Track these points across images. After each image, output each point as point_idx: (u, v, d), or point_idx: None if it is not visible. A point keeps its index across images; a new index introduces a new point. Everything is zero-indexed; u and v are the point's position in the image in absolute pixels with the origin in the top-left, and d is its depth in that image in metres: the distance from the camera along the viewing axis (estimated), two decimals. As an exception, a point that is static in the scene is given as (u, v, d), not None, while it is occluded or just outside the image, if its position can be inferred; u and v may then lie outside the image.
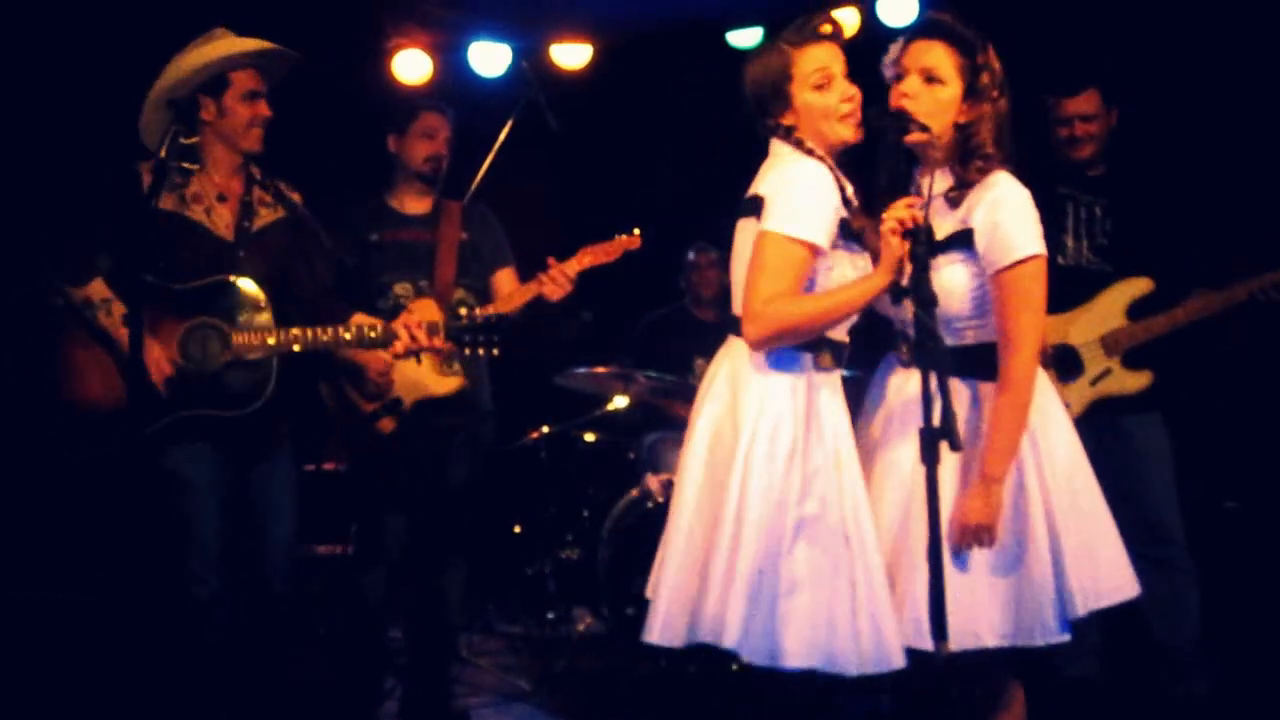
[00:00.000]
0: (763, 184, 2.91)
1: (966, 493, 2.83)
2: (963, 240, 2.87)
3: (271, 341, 3.53)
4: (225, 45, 3.62)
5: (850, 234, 2.88)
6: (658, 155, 6.13)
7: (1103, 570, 2.91)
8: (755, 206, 2.88)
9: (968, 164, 2.89)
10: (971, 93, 2.89)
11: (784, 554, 2.79)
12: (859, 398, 3.14)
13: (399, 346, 3.55)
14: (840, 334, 2.94)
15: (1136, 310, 4.05)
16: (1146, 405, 4.08)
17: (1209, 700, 4.07)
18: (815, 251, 2.81)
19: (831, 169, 2.90)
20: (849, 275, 2.89)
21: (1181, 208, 4.12)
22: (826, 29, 2.93)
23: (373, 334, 3.57)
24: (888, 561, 2.88)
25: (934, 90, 2.88)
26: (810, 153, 2.90)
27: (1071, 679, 4.03)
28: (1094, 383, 4.04)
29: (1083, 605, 2.85)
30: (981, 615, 2.83)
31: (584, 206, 6.02)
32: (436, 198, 4.32)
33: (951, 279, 2.88)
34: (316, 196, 3.79)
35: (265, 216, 3.67)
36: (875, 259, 2.86)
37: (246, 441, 3.60)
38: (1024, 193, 2.89)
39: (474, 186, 4.72)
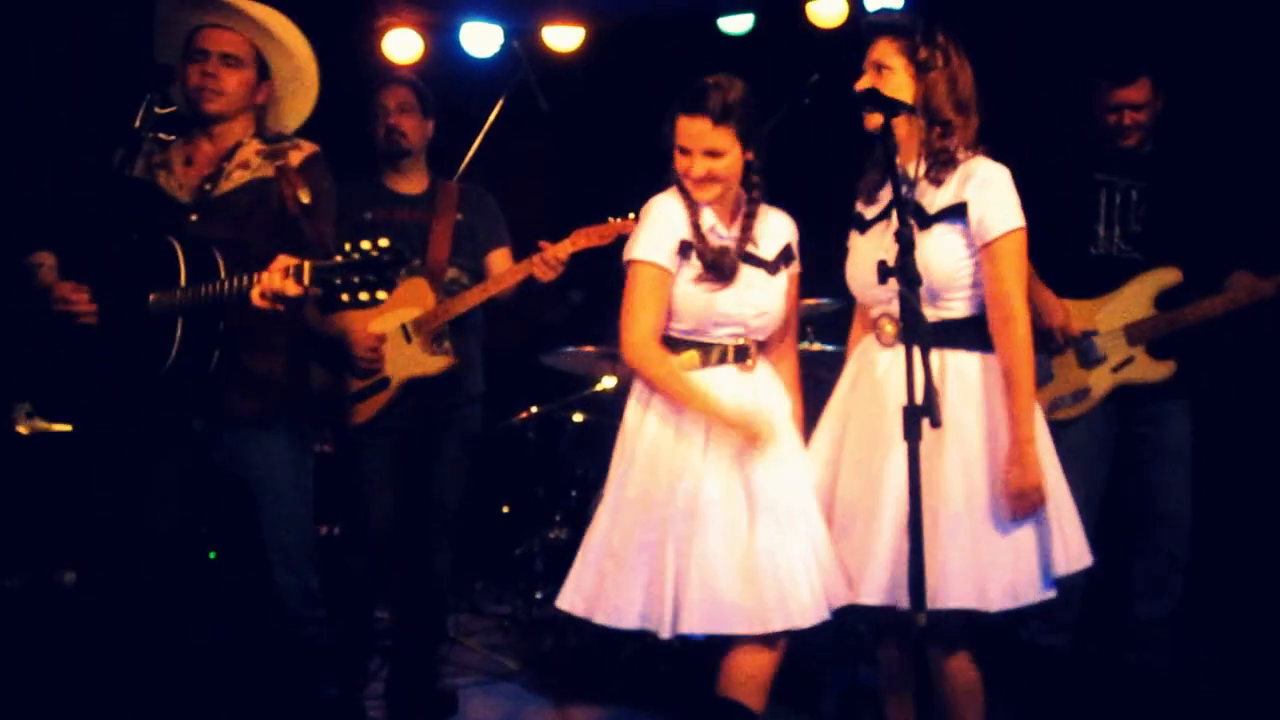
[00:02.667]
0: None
1: (1006, 463, 2.99)
2: (957, 213, 3.06)
3: (175, 297, 3.32)
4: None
5: (687, 254, 3.20)
6: (648, 139, 6.12)
7: (1059, 545, 3.07)
8: None
9: (929, 131, 3.10)
10: (917, 69, 3.10)
11: (614, 526, 3.17)
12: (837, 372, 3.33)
13: (254, 292, 3.16)
14: (722, 337, 3.23)
15: (1165, 300, 4.06)
16: (1172, 393, 4.10)
17: (1174, 673, 4.14)
18: (659, 269, 3.18)
19: (688, 204, 3.23)
20: (690, 290, 3.20)
21: (1223, 194, 4.11)
22: (711, 100, 3.16)
23: (246, 283, 3.23)
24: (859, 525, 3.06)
25: (885, 78, 3.11)
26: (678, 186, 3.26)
27: (1042, 648, 4.09)
28: (1116, 369, 4.06)
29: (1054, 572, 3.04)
30: (954, 580, 2.95)
31: (574, 188, 6.02)
32: (432, 178, 4.33)
33: (945, 248, 3.06)
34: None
35: (236, 179, 3.49)
36: (719, 276, 3.19)
37: (173, 414, 3.42)
38: (1004, 171, 3.09)
39: (463, 167, 4.73)
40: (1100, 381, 4.06)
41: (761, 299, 3.24)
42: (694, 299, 3.20)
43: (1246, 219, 4.16)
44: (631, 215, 4.11)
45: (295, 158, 3.51)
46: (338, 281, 3.06)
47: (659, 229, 3.22)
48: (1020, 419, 2.99)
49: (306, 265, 3.10)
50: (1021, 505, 2.97)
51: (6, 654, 3.95)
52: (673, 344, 3.23)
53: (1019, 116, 3.52)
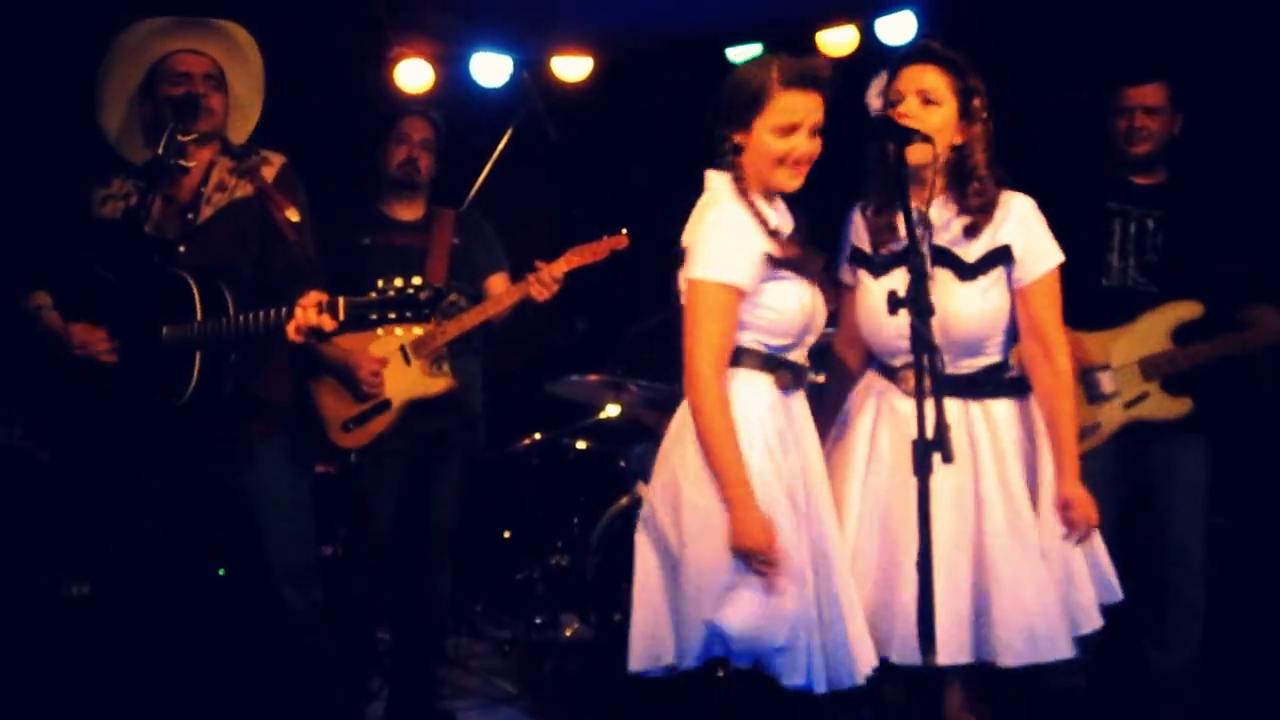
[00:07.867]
0: (686, 233, 2.98)
1: (1060, 486, 2.96)
2: (1001, 257, 3.00)
3: (192, 331, 3.33)
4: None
5: (779, 265, 2.91)
6: (656, 169, 6.16)
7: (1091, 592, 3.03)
8: (682, 258, 2.97)
9: (965, 187, 2.99)
10: (965, 114, 2.99)
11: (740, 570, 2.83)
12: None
13: (290, 327, 3.18)
14: (799, 357, 3.01)
15: (1182, 334, 3.86)
16: (1186, 427, 3.91)
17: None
18: (739, 293, 2.86)
19: (752, 208, 2.92)
20: (787, 302, 2.93)
21: (1242, 225, 3.92)
22: (822, 74, 2.93)
23: (275, 317, 3.25)
24: (879, 576, 2.95)
25: (931, 112, 2.97)
26: (743, 191, 2.93)
27: (1057, 691, 4.02)
28: (1129, 405, 3.87)
29: (1088, 623, 3.00)
30: (1007, 631, 2.91)
31: (582, 218, 6.04)
32: (429, 205, 4.37)
33: (991, 299, 3.00)
34: (315, 203, 3.76)
35: (216, 202, 3.49)
36: (811, 279, 2.98)
37: (196, 442, 3.45)
38: (1031, 201, 3.04)
39: (471, 195, 4.76)
40: (1112, 417, 3.86)
41: None
42: None
43: (1270, 250, 3.94)
44: (624, 231, 4.15)
45: (269, 173, 3.52)
46: (373, 316, 3.09)
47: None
48: (1067, 447, 2.97)
49: (341, 301, 3.13)
50: (1078, 522, 2.94)
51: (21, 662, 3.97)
52: None
53: (1028, 141, 3.45)
